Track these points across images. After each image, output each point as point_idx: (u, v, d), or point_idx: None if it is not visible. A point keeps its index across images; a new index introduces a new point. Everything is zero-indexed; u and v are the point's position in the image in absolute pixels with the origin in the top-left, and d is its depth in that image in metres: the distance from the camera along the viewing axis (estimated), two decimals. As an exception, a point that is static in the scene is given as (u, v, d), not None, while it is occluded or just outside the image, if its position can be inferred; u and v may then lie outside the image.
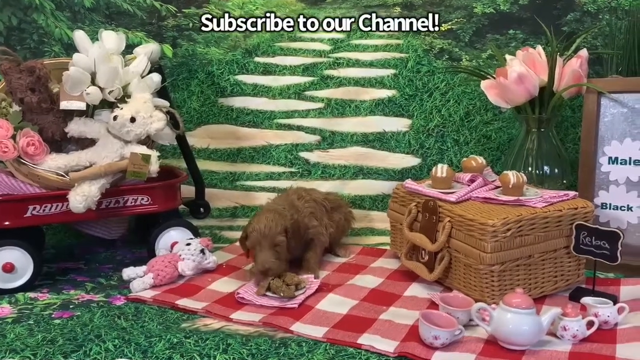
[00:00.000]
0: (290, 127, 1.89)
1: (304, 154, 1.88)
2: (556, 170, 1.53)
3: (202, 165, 1.85)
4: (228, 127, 1.90)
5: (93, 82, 1.34)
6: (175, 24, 1.88)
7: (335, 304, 1.23)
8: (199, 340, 1.08)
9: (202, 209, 1.65)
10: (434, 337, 1.03)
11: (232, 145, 1.89)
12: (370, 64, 1.87)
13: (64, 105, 1.33)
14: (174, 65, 1.88)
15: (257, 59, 1.90)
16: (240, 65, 1.90)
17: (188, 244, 1.40)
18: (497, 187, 1.36)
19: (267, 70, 1.90)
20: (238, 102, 1.90)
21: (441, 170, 1.36)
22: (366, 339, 1.07)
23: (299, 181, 1.85)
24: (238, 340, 1.08)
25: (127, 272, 1.35)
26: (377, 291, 1.30)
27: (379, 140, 1.86)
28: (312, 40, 1.89)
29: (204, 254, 1.39)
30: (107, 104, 1.39)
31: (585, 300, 1.14)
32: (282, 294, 1.22)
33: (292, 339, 1.09)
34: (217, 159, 1.89)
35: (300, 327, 1.12)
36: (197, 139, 1.88)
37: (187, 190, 1.67)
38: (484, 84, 1.54)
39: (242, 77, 1.90)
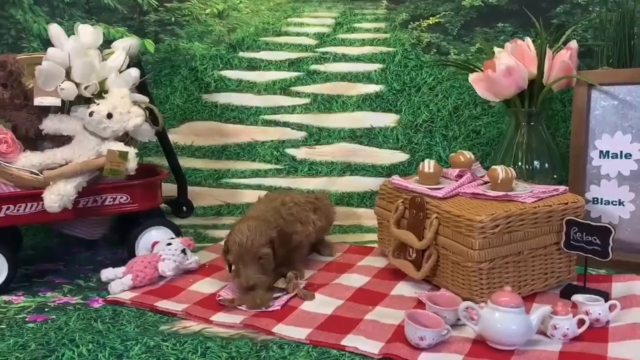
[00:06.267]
0: (276, 123, 1.86)
1: (290, 151, 1.84)
2: (546, 165, 1.50)
3: (186, 162, 1.82)
4: (212, 123, 1.86)
5: (68, 78, 1.30)
6: (157, 19, 1.83)
7: (320, 304, 1.19)
8: (176, 344, 1.04)
9: (184, 208, 1.61)
10: (420, 337, 0.99)
11: (217, 142, 1.86)
12: (357, 59, 1.84)
13: (38, 101, 1.29)
14: (156, 60, 1.84)
15: (241, 54, 1.86)
16: (225, 61, 1.86)
17: (169, 244, 1.36)
18: (486, 182, 1.32)
19: (252, 65, 1.87)
20: (222, 98, 1.86)
21: (428, 165, 1.33)
22: (350, 340, 1.04)
23: (286, 179, 1.82)
24: (217, 343, 1.04)
25: (106, 274, 1.31)
26: (363, 290, 1.27)
27: (367, 136, 1.83)
28: (298, 34, 1.85)
29: (185, 254, 1.36)
30: (84, 100, 1.35)
31: (576, 297, 1.11)
32: (264, 308, 1.17)
33: (274, 341, 1.05)
34: (201, 156, 1.85)
35: (282, 329, 1.09)
36: (180, 135, 1.85)
37: (170, 189, 1.63)
38: (472, 78, 1.51)
39: (226, 73, 1.86)
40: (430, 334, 1.00)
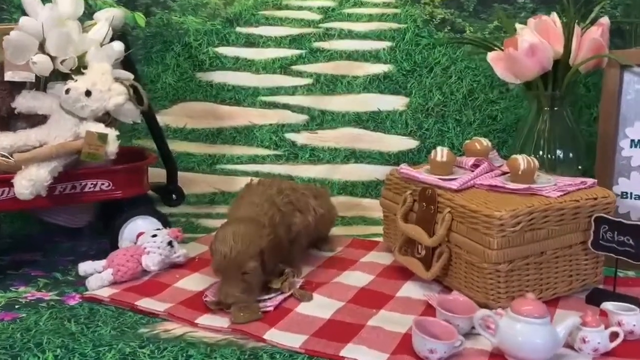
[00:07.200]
0: (275, 106, 1.73)
1: (290, 135, 1.72)
2: (571, 155, 1.36)
3: (179, 146, 1.70)
4: (207, 104, 1.73)
5: (43, 50, 1.18)
6: (149, -10, 1.71)
7: (318, 307, 1.07)
8: (155, 351, 0.93)
9: (174, 195, 1.49)
10: (430, 350, 0.88)
11: (211, 125, 1.73)
12: (364, 36, 1.70)
13: (9, 76, 1.17)
14: (147, 35, 1.71)
15: (238, 29, 1.73)
16: (221, 36, 1.73)
17: (154, 236, 1.24)
18: (505, 173, 1.20)
19: (250, 41, 1.73)
20: (218, 77, 1.73)
21: (441, 153, 1.20)
22: (350, 351, 0.92)
23: (285, 165, 1.70)
24: (201, 351, 0.93)
25: (84, 267, 1.19)
26: (366, 291, 1.15)
27: (373, 121, 1.70)
28: (300, 8, 1.72)
29: (172, 246, 1.24)
30: (62, 76, 1.23)
31: (607, 305, 0.99)
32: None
33: (265, 349, 0.94)
34: (194, 140, 1.73)
35: (274, 335, 0.97)
36: (172, 117, 1.72)
37: (161, 174, 1.51)
38: (490, 56, 1.37)
39: (222, 49, 1.73)
40: (442, 347, 0.88)
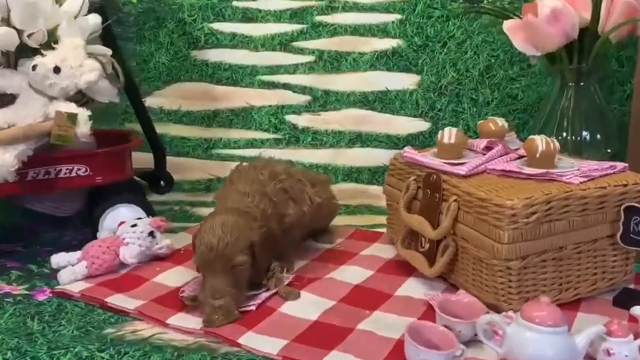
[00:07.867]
0: (275, 85, 1.63)
1: (291, 118, 1.62)
2: (598, 136, 1.22)
3: (173, 130, 1.61)
4: (202, 85, 1.64)
5: (8, 23, 1.09)
6: (140, -38, 1.61)
7: (304, 306, 0.96)
8: (115, 355, 0.84)
9: (162, 182, 1.40)
10: (424, 361, 0.75)
11: (207, 107, 1.64)
12: (371, 8, 1.58)
13: (-31, 51, 1.09)
14: (140, 12, 1.62)
15: (235, 3, 1.62)
16: (216, 11, 1.63)
17: (134, 225, 1.15)
18: (521, 156, 1.07)
19: (248, 16, 1.63)
20: (214, 55, 1.63)
21: (449, 134, 1.07)
22: (333, 359, 0.80)
23: (286, 150, 1.59)
24: (166, 356, 0.83)
25: (57, 259, 1.11)
26: (362, 289, 1.03)
27: (381, 101, 1.59)
28: (301, -21, 1.62)
29: (153, 237, 1.15)
30: (34, 52, 1.14)
31: (637, 310, 0.85)
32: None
33: (238, 355, 0.83)
34: (189, 123, 1.64)
35: (250, 339, 0.86)
36: (166, 99, 1.63)
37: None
38: (507, 25, 1.23)
39: (218, 25, 1.63)
40: (438, 358, 0.76)
